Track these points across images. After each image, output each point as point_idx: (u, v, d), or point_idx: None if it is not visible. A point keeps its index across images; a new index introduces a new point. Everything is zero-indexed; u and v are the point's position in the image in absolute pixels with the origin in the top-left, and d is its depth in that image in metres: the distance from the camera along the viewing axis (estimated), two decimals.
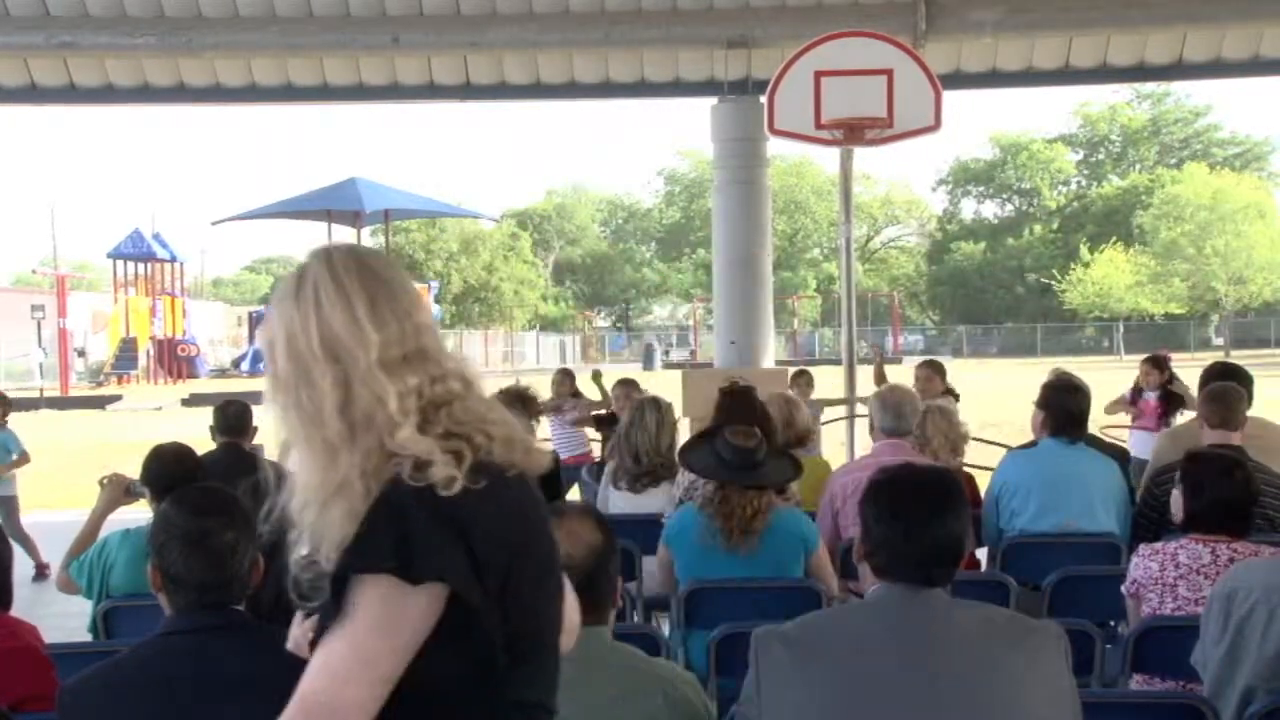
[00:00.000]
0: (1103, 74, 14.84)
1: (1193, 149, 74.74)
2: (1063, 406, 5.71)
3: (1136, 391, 10.21)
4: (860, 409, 12.27)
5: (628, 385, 9.73)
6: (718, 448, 4.98)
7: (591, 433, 10.49)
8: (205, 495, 2.98)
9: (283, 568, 3.39)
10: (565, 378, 10.79)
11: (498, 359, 60.93)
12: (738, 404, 6.17)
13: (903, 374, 8.99)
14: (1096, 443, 6.34)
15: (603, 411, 10.05)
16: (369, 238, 60.48)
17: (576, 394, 10.67)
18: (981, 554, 5.98)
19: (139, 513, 4.81)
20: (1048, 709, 2.57)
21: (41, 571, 9.51)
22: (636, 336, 77.12)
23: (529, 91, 14.94)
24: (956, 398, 9.40)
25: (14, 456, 9.96)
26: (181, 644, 2.79)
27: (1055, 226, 76.34)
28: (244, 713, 2.70)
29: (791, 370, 11.46)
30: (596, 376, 10.90)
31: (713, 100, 13.71)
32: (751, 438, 4.96)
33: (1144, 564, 4.20)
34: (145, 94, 14.77)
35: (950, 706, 2.52)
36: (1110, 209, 72.59)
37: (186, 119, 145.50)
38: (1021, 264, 74.07)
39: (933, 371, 9.51)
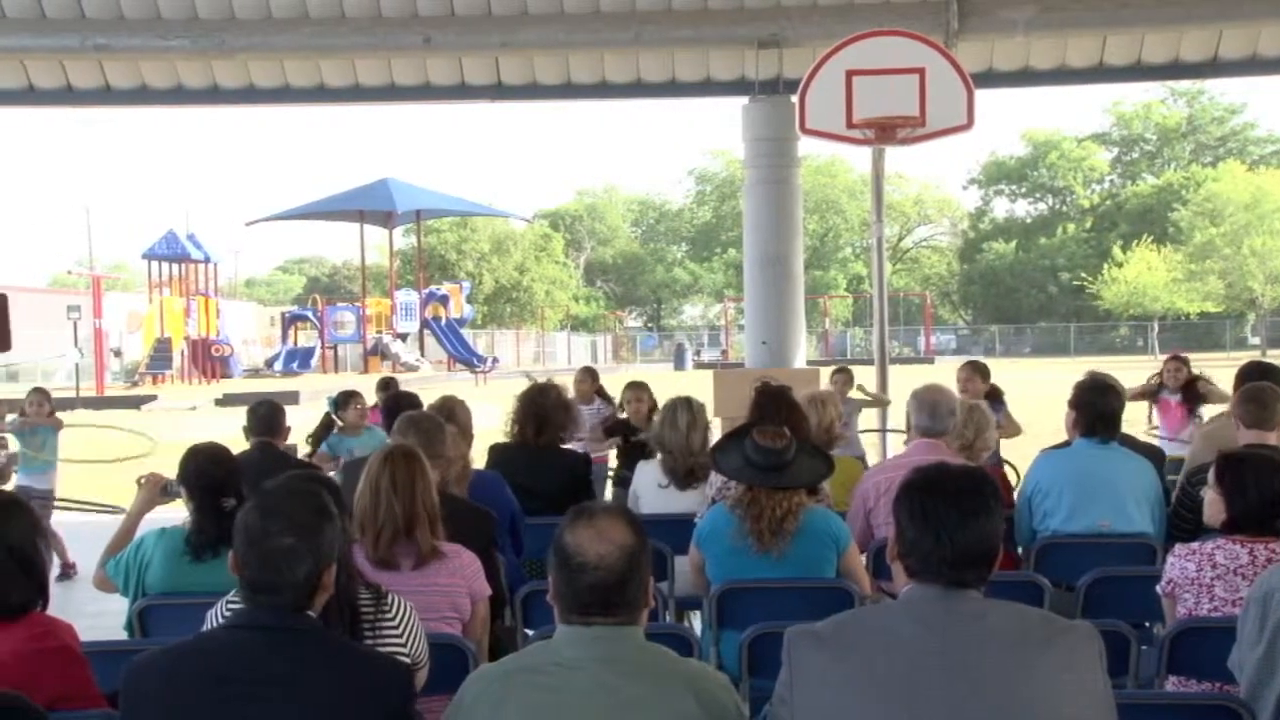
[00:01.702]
0: (1137, 72, 14.73)
1: (1228, 147, 74.14)
2: (1095, 406, 5.68)
3: (1158, 389, 10.15)
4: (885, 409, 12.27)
5: (637, 388, 9.61)
6: (746, 449, 4.96)
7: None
8: (282, 496, 3.00)
9: (354, 572, 3.42)
10: (587, 377, 10.51)
11: (529, 359, 61.02)
12: (769, 402, 6.16)
13: (935, 374, 8.92)
14: (1130, 442, 6.29)
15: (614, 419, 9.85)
16: (400, 238, 60.84)
17: (600, 393, 10.39)
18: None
19: (175, 512, 4.84)
20: (1082, 710, 2.56)
21: (66, 571, 9.53)
22: (668, 336, 77.15)
23: (560, 91, 14.96)
24: (1001, 398, 9.26)
25: (46, 455, 10.03)
26: (240, 639, 2.84)
27: (1088, 225, 75.88)
28: (283, 714, 2.73)
29: (832, 368, 11.33)
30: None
31: (744, 100, 13.70)
32: (780, 438, 4.93)
33: (1180, 564, 4.17)
34: (179, 95, 14.88)
35: (984, 707, 2.51)
36: (1145, 207, 72.11)
37: (220, 120, 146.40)
38: (1054, 263, 73.66)
39: (974, 372, 9.32)
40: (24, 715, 2.68)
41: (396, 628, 3.56)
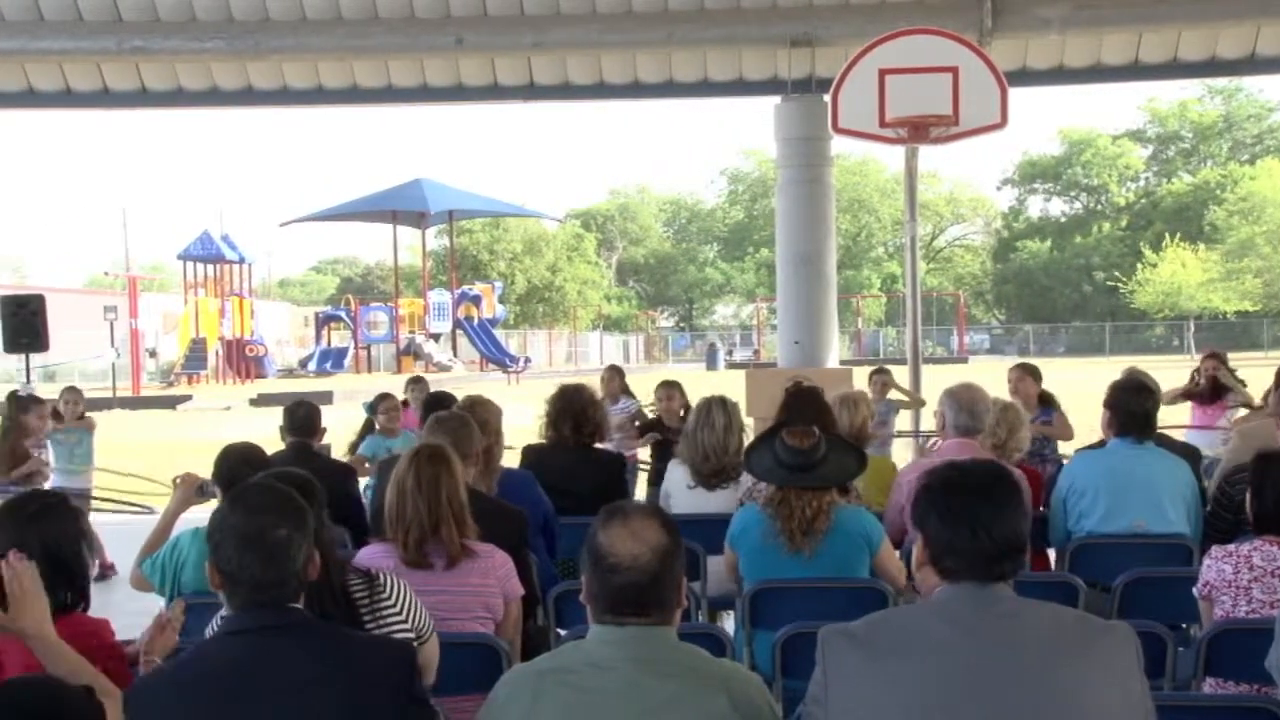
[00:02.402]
0: (1173, 69, 14.61)
1: (1265, 144, 73.48)
2: (1129, 406, 5.64)
3: (1197, 387, 10.07)
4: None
5: (670, 387, 9.62)
6: (776, 449, 4.96)
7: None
8: (259, 492, 2.99)
9: (341, 562, 3.44)
10: (614, 375, 10.55)
11: (561, 359, 61.12)
12: (799, 402, 6.15)
13: (969, 374, 8.85)
14: (1166, 442, 6.25)
15: (649, 418, 9.86)
16: (433, 238, 61.06)
17: (626, 390, 10.44)
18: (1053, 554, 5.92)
19: (210, 512, 4.87)
20: (1119, 710, 2.54)
21: (105, 571, 9.55)
22: (699, 336, 77.11)
23: (592, 92, 14.98)
24: (1054, 403, 9.10)
25: (82, 456, 10.11)
26: (243, 643, 2.82)
27: (1124, 224, 75.39)
28: (305, 711, 2.74)
29: (869, 368, 11.26)
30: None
31: (776, 99, 13.67)
32: (808, 438, 4.93)
33: (1217, 566, 4.14)
34: (214, 97, 14.97)
35: (1021, 707, 2.50)
36: (1180, 206, 71.59)
37: (254, 121, 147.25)
38: (1089, 262, 73.22)
39: (1025, 373, 9.03)
40: (71, 700, 2.71)
41: (394, 606, 3.58)
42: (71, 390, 10.53)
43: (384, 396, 9.63)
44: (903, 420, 11.99)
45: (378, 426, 9.44)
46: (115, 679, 3.17)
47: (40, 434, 9.49)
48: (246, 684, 2.75)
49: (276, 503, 2.93)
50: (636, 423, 9.86)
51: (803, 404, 6.14)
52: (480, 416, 5.67)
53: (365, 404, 9.95)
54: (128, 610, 3.45)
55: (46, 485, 9.35)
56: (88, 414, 10.46)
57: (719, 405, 6.33)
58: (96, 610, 3.60)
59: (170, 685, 2.82)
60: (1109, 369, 10.16)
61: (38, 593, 3.05)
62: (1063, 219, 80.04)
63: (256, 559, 2.83)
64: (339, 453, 9.25)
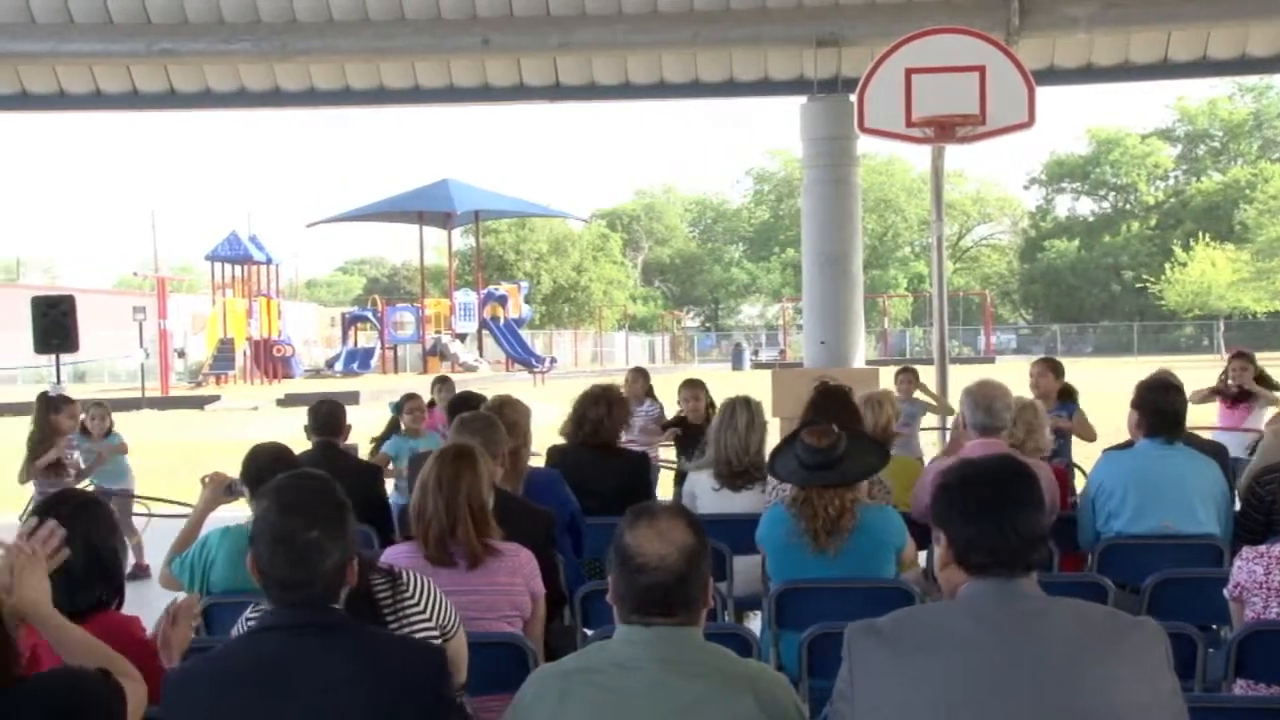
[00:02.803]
0: (1203, 67, 14.51)
1: None
2: (1157, 406, 5.61)
3: (1224, 389, 10.00)
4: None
5: (694, 386, 9.60)
6: (797, 450, 4.96)
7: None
8: (294, 492, 2.98)
9: (365, 562, 3.44)
10: (638, 377, 10.45)
11: (587, 359, 61.17)
12: (826, 401, 6.14)
13: (996, 374, 8.77)
14: (1195, 441, 6.21)
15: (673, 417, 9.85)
16: (459, 238, 61.20)
17: (651, 393, 10.35)
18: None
19: (238, 511, 4.90)
20: (1149, 708, 2.52)
21: (137, 570, 9.54)
22: (725, 336, 77.03)
23: (618, 92, 14.99)
24: (1075, 397, 9.09)
25: (117, 454, 10.15)
26: (275, 640, 2.84)
27: (1153, 223, 74.95)
28: (333, 711, 2.75)
29: (895, 368, 11.19)
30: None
31: (802, 99, 13.65)
32: (826, 436, 4.92)
33: (1248, 567, 4.11)
34: (241, 98, 15.05)
35: (1048, 704, 2.48)
36: (1210, 205, 71.13)
37: (281, 122, 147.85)
38: (1117, 261, 72.83)
39: (1047, 368, 9.03)
40: (98, 691, 2.73)
41: (418, 604, 3.55)
42: (98, 405, 10.37)
43: (409, 397, 9.66)
44: (930, 420, 11.95)
45: (403, 426, 9.46)
46: (146, 675, 3.19)
47: (71, 434, 9.53)
48: (276, 680, 2.77)
49: (312, 504, 2.92)
50: (656, 424, 9.86)
51: (830, 403, 6.13)
52: (509, 418, 5.68)
53: (391, 403, 9.98)
54: (157, 608, 3.49)
55: (89, 485, 9.41)
56: (115, 430, 10.35)
57: (742, 405, 6.33)
58: (130, 606, 3.63)
59: (203, 678, 2.84)
60: (1137, 369, 10.10)
61: (35, 572, 3.03)
62: (1091, 218, 79.63)
63: (285, 559, 2.84)
64: (364, 453, 9.28)
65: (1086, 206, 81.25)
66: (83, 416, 9.85)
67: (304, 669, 2.78)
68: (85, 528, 3.42)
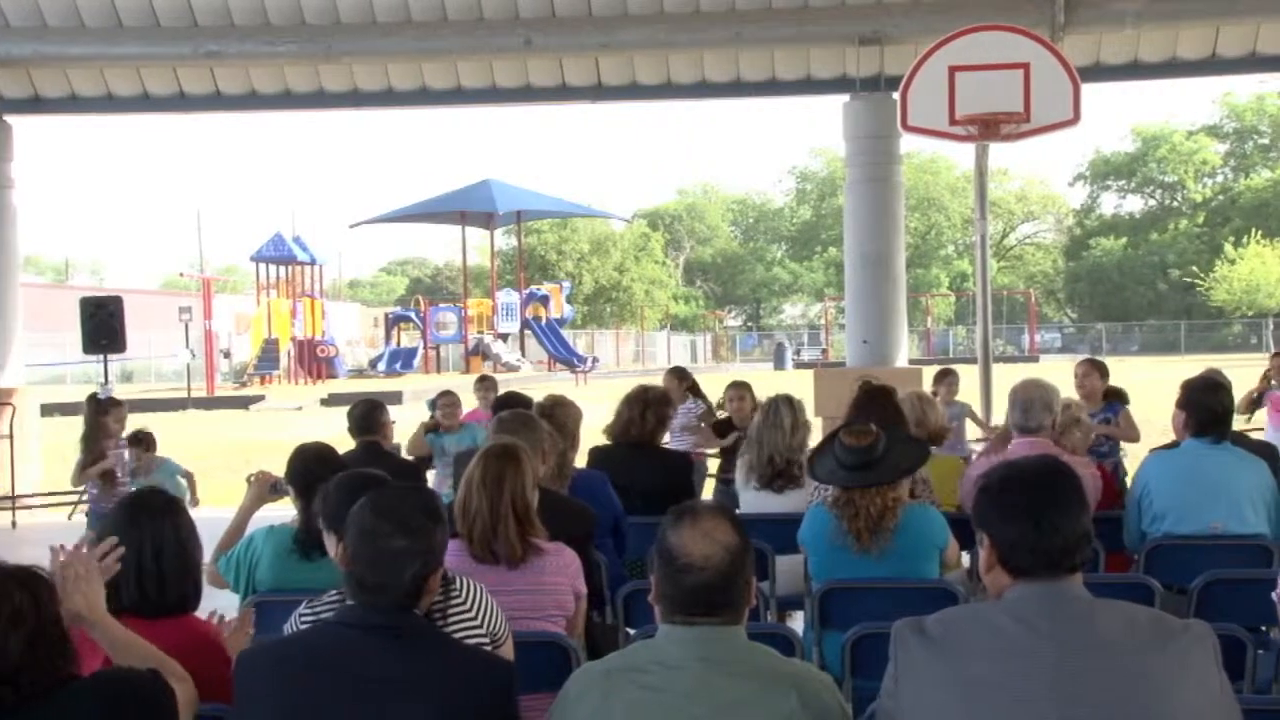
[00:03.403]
0: (1251, 63, 14.34)
1: None
2: (1204, 405, 5.55)
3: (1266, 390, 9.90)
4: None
5: (740, 388, 9.56)
6: (835, 451, 4.95)
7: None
8: (394, 498, 3.04)
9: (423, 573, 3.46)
10: (676, 377, 10.13)
11: (629, 359, 61.18)
12: (870, 401, 6.13)
13: (1040, 373, 8.66)
14: (1243, 442, 6.14)
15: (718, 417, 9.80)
16: (501, 238, 61.38)
17: (695, 390, 10.15)
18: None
19: (283, 510, 4.94)
20: (1202, 712, 2.50)
21: None
22: (767, 336, 76.85)
23: (660, 91, 14.99)
24: (1123, 398, 8.98)
25: (183, 480, 10.05)
26: (349, 636, 2.88)
27: (1200, 220, 74.16)
28: (396, 714, 2.77)
29: (936, 369, 11.09)
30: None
31: (845, 98, 13.61)
32: (865, 436, 4.91)
33: None
34: (286, 100, 15.17)
35: (1099, 708, 2.46)
36: (1259, 201, 70.30)
37: (325, 123, 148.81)
38: (1164, 259, 72.11)
39: (1092, 368, 8.91)
40: (151, 693, 2.77)
41: (470, 611, 3.54)
42: (141, 438, 9.74)
43: (444, 394, 9.73)
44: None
45: (437, 421, 9.52)
46: (220, 683, 3.23)
47: (119, 436, 9.61)
48: (343, 675, 2.81)
49: (403, 513, 2.97)
50: (701, 424, 9.77)
51: (872, 403, 6.11)
52: (559, 419, 5.71)
53: (428, 401, 10.06)
54: (204, 607, 3.54)
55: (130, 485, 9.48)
56: (164, 456, 10.15)
57: (785, 404, 6.32)
58: None
59: (271, 659, 2.91)
60: (1185, 367, 10.00)
61: (88, 577, 3.08)
62: (1137, 216, 78.88)
63: (369, 562, 2.91)
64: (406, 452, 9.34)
65: (1133, 204, 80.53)
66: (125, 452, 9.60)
67: (371, 668, 2.82)
68: (175, 527, 3.48)
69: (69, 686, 2.66)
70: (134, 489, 8.23)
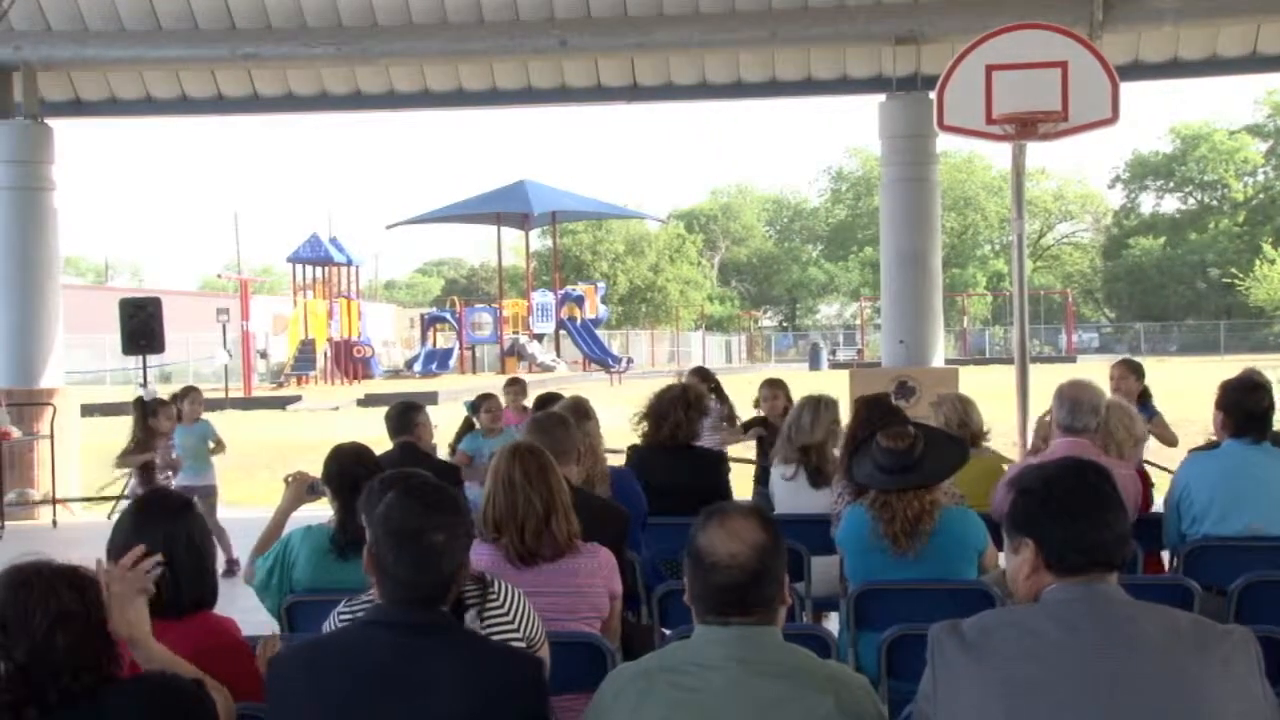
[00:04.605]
0: None
1: None
2: (1242, 406, 5.51)
3: None
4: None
5: (774, 386, 9.54)
6: (874, 454, 4.94)
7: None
8: (425, 492, 3.04)
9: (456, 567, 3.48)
10: (699, 377, 9.84)
11: (664, 359, 61.16)
12: (871, 413, 5.99)
13: (1078, 373, 8.57)
14: None
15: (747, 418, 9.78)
16: (537, 239, 61.52)
17: (718, 391, 9.90)
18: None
19: (320, 510, 4.96)
20: (1245, 716, 2.47)
21: (231, 567, 9.65)
22: (802, 336, 76.64)
23: (695, 92, 15.00)
24: (1150, 402, 8.91)
25: (212, 444, 10.38)
26: (384, 636, 2.88)
27: (1241, 220, 73.46)
28: (430, 711, 2.78)
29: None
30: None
31: (881, 97, 13.56)
32: (903, 439, 4.90)
33: None
34: (323, 101, 15.27)
35: (1138, 712, 2.45)
36: None
37: (361, 125, 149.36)
38: (1204, 259, 71.48)
39: (1128, 370, 8.86)
40: (188, 699, 2.78)
41: (506, 614, 3.53)
42: (192, 390, 10.72)
43: (486, 396, 9.71)
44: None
45: (478, 425, 9.51)
46: (243, 678, 3.24)
47: (170, 435, 9.79)
48: (377, 674, 2.81)
49: (439, 506, 2.98)
50: (725, 423, 9.75)
51: (870, 411, 5.92)
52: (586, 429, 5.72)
53: (466, 403, 10.02)
54: (240, 606, 3.56)
55: (172, 483, 9.60)
56: (206, 420, 10.62)
57: (818, 403, 6.31)
58: (220, 604, 3.69)
59: (304, 662, 2.91)
60: (1224, 368, 9.90)
61: (129, 595, 3.03)
62: (1176, 215, 78.21)
63: (410, 560, 2.90)
64: (443, 453, 9.35)
65: (1172, 204, 79.84)
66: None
67: (406, 666, 2.82)
68: (188, 527, 3.49)
69: (113, 686, 2.67)
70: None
